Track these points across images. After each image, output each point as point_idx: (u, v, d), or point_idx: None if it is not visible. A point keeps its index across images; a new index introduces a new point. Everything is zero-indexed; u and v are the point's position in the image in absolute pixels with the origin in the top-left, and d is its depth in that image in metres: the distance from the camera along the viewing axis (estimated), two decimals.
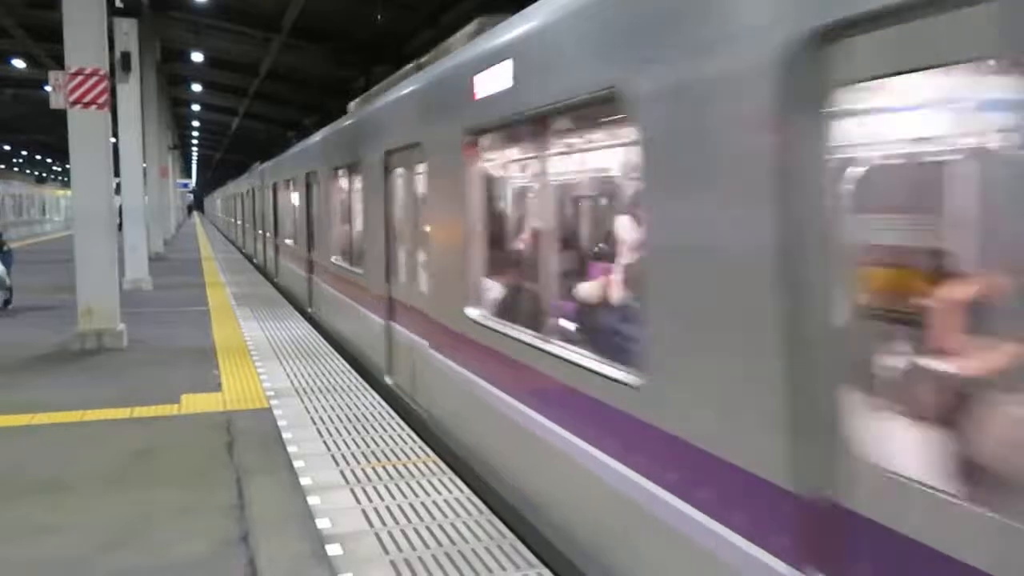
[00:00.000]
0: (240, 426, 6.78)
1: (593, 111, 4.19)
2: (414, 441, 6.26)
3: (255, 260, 24.93)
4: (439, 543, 4.40)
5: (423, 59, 7.77)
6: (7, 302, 13.85)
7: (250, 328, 11.77)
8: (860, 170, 2.50)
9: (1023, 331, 2.16)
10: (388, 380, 8.26)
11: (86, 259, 10.51)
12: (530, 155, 5.29)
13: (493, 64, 5.11)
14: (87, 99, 10.24)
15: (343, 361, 9.41)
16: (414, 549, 4.33)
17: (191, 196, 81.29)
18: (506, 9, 5.69)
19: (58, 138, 10.67)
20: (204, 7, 24.43)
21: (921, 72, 2.21)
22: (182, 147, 64.35)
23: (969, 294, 2.52)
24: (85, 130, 10.38)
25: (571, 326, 4.71)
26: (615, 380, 3.65)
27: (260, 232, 23.82)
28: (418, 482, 5.35)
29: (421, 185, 7.13)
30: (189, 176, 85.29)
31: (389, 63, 22.65)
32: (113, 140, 11.41)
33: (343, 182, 11.17)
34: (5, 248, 14.23)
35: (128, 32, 17.23)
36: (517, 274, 5.63)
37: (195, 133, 65.80)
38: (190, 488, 5.39)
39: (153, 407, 7.43)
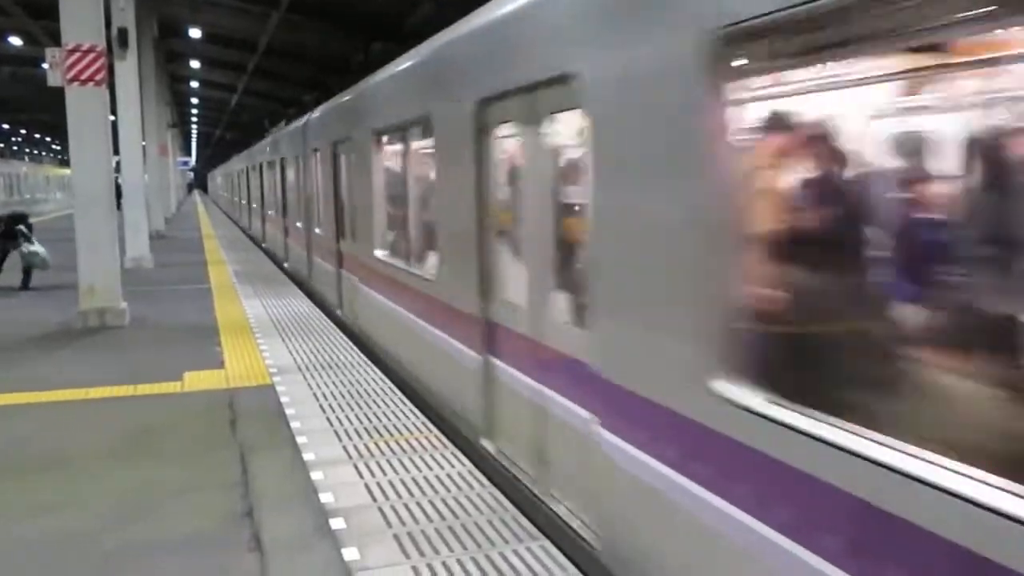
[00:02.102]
0: (243, 403, 6.82)
1: (423, 126, 6.91)
2: (416, 417, 6.29)
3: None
4: (442, 517, 4.44)
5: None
6: (25, 283, 13.91)
7: (252, 305, 11.79)
8: (499, 166, 5.41)
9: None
10: (339, 312, 11.29)
11: (87, 238, 10.50)
12: (399, 152, 8.22)
13: (380, 92, 8.63)
14: (85, 76, 10.17)
15: (345, 338, 9.44)
16: (417, 523, 4.37)
17: (191, 174, 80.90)
18: None
19: (58, 117, 10.58)
20: None
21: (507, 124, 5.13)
22: (181, 125, 64.03)
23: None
24: (83, 107, 10.32)
25: (416, 253, 7.65)
26: (427, 278, 6.80)
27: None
28: (420, 457, 5.38)
29: (355, 168, 9.86)
30: (189, 154, 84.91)
31: (389, 39, 22.47)
32: (112, 118, 11.34)
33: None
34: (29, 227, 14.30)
35: (125, 8, 17.05)
36: (398, 227, 8.44)
37: (194, 110, 65.45)
38: (194, 465, 5.43)
39: (156, 384, 7.46)
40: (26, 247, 13.80)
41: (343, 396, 6.92)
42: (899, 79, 2.82)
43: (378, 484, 4.93)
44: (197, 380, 7.60)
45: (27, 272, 13.95)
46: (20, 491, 5.06)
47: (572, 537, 4.24)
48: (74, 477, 5.27)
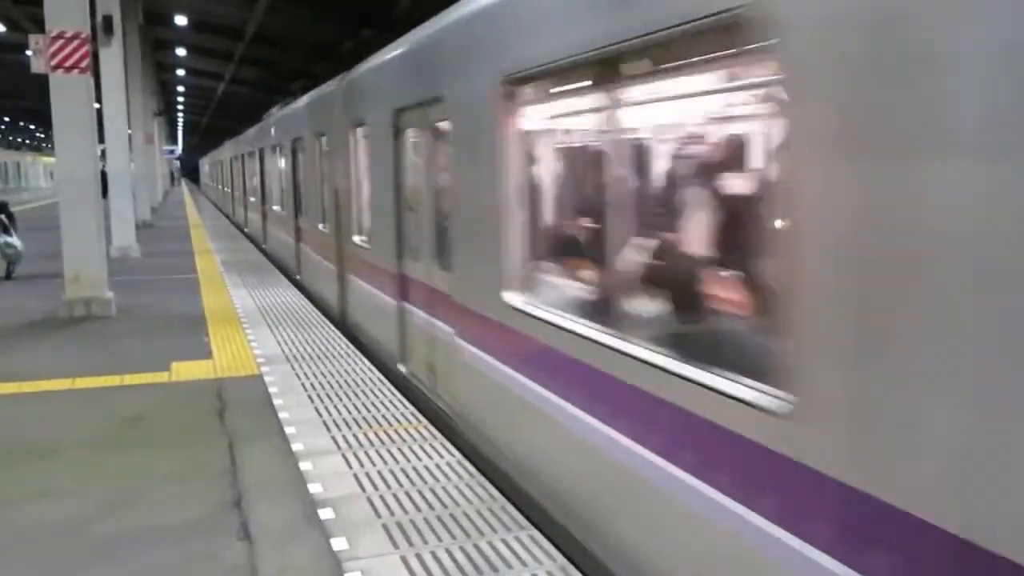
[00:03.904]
0: (231, 393, 6.80)
1: (286, 145, 14.71)
2: (405, 407, 6.29)
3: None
4: (430, 506, 4.45)
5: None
6: (9, 272, 13.79)
7: (239, 295, 11.75)
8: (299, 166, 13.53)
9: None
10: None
11: (72, 226, 10.41)
12: (280, 157, 16.10)
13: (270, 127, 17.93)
14: (69, 63, 10.06)
15: (333, 328, 9.43)
16: (406, 512, 4.37)
17: (178, 163, 79.97)
18: None
19: (44, 104, 10.49)
20: None
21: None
22: (168, 113, 63.44)
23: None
24: (68, 95, 10.21)
25: (281, 202, 16.52)
26: (281, 211, 16.21)
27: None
28: (409, 447, 5.39)
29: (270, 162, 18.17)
30: (175, 143, 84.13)
31: (377, 26, 22.31)
32: (97, 106, 11.23)
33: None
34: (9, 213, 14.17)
35: None
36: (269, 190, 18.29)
37: (181, 99, 64.90)
38: (183, 454, 5.41)
39: (143, 374, 7.43)
40: (2, 238, 13.68)
41: (331, 386, 6.91)
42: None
43: (367, 474, 4.93)
44: (185, 370, 7.57)
45: (10, 262, 13.84)
46: (8, 480, 5.03)
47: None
48: (62, 466, 5.25)
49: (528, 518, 4.33)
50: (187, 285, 12.89)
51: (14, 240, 13.75)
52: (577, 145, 5.07)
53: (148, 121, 32.44)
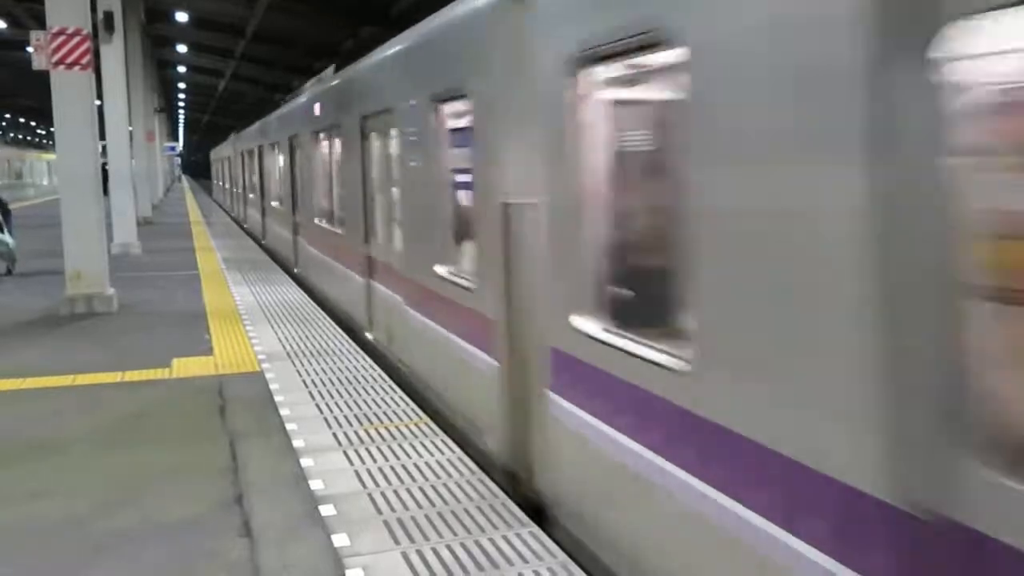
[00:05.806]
0: (232, 390, 6.80)
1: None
2: (406, 404, 6.29)
3: None
4: (431, 503, 4.45)
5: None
6: (10, 270, 13.81)
7: (240, 292, 11.75)
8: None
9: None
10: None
11: (73, 222, 10.42)
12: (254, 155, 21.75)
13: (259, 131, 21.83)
14: (70, 60, 10.07)
15: (335, 325, 9.43)
16: (407, 509, 4.38)
17: (178, 160, 79.79)
18: None
19: (44, 102, 10.50)
20: None
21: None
22: (168, 110, 63.45)
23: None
24: (69, 91, 10.22)
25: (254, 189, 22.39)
26: (253, 196, 22.49)
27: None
28: (410, 444, 5.39)
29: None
30: (176, 139, 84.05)
31: (377, 24, 22.30)
32: (98, 103, 11.23)
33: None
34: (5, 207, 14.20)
35: None
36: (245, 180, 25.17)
37: (181, 96, 64.90)
38: (183, 451, 5.42)
39: (144, 371, 7.43)
40: None
41: (332, 383, 6.91)
42: None
43: (368, 471, 4.94)
44: (186, 367, 7.57)
45: (6, 260, 13.85)
46: (9, 477, 5.03)
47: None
48: (63, 463, 5.25)
49: (529, 515, 4.33)
50: (188, 282, 12.89)
51: (6, 238, 13.76)
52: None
53: (149, 118, 32.45)
